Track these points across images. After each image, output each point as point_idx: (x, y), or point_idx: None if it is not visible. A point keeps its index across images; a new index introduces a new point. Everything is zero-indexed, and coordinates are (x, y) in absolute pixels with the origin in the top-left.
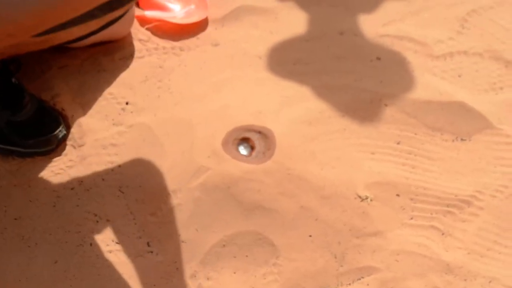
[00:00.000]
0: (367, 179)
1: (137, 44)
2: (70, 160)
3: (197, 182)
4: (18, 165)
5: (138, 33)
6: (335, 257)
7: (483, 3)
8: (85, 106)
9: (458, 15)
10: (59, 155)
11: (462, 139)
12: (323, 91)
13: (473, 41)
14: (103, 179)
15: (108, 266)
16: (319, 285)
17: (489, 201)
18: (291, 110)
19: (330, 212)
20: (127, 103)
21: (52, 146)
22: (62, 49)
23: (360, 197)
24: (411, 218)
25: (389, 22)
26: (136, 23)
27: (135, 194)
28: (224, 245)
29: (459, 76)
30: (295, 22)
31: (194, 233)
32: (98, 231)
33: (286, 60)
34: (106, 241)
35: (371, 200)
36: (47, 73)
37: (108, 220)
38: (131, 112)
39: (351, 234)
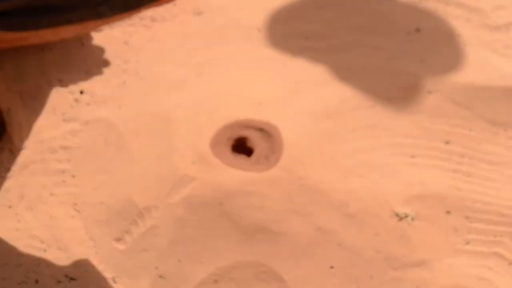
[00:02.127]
0: (407, 192)
1: None
2: (7, 169)
3: (178, 196)
4: None
5: None
6: None
7: None
8: (25, 96)
9: None
10: None
11: None
12: (345, 74)
13: None
14: (51, 194)
15: None
16: None
17: None
18: (302, 99)
19: (357, 235)
20: (81, 92)
21: None
22: None
23: (397, 215)
24: (467, 243)
25: None
26: None
27: (96, 214)
28: (216, 281)
29: None
30: None
31: (175, 265)
32: (47, 263)
33: (294, 33)
34: (58, 277)
35: (412, 219)
36: None
37: (59, 249)
38: (88, 104)
39: (386, 265)
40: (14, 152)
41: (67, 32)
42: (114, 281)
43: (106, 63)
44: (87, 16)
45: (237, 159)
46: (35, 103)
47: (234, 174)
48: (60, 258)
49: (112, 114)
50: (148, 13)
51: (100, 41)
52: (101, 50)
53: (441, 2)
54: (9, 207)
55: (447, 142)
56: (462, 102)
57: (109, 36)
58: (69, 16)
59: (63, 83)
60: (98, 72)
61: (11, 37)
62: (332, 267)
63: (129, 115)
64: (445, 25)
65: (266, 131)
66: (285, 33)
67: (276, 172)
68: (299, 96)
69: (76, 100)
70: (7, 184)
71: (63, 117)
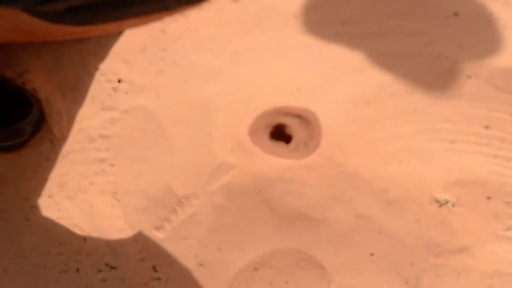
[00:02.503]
0: (447, 177)
1: None
2: (47, 159)
3: (217, 184)
4: None
5: None
6: (407, 283)
7: None
8: (64, 86)
9: None
10: (32, 151)
11: None
12: (382, 60)
13: None
14: (91, 183)
15: None
16: None
17: None
18: (340, 86)
19: (398, 222)
20: (119, 81)
21: (22, 139)
22: None
23: (438, 201)
24: (509, 229)
25: None
26: None
27: (135, 202)
28: (256, 269)
29: None
30: None
31: (215, 253)
32: (87, 252)
33: (330, 19)
34: (98, 266)
35: (453, 205)
36: (12, 44)
37: (99, 237)
38: (126, 92)
39: (427, 252)
40: (54, 142)
41: (131, 24)
42: (155, 270)
43: (144, 52)
44: (154, 9)
45: (275, 146)
46: (73, 92)
47: (273, 161)
48: (100, 246)
49: (150, 102)
50: None
51: (138, 30)
52: (139, 39)
53: None
54: (49, 196)
55: (487, 127)
56: (502, 86)
57: (146, 25)
58: (137, 10)
59: (102, 72)
60: (136, 60)
61: (75, 30)
62: (372, 254)
63: (168, 104)
64: (483, 9)
65: (304, 118)
66: (321, 19)
67: (315, 159)
68: (337, 82)
69: (115, 89)
70: (47, 173)
71: (101, 106)
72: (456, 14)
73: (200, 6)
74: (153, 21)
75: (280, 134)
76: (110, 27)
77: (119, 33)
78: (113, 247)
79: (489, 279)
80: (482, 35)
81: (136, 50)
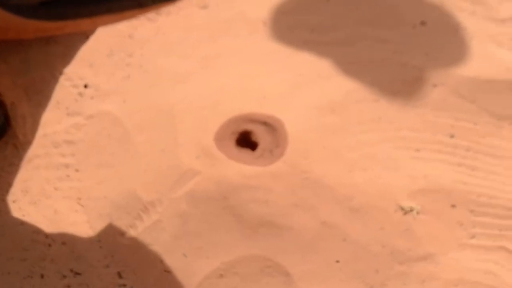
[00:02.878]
0: (411, 185)
1: None
2: (10, 164)
3: (182, 190)
4: None
5: None
6: None
7: None
8: (29, 90)
9: None
10: None
11: None
12: (350, 67)
13: None
14: (55, 188)
15: None
16: None
17: None
18: (307, 93)
19: (362, 229)
20: (85, 86)
21: None
22: None
23: (402, 209)
24: (473, 237)
25: None
26: None
27: (100, 208)
28: (221, 275)
29: None
30: None
31: (181, 259)
32: (52, 257)
33: (299, 26)
34: (63, 271)
35: (417, 213)
36: None
37: (63, 243)
38: (92, 97)
39: (392, 259)
40: (18, 147)
41: (105, 21)
42: (120, 276)
43: (110, 57)
44: (128, 6)
45: (241, 153)
46: (39, 97)
47: (238, 168)
48: (64, 252)
49: (116, 108)
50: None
51: (104, 34)
52: (105, 43)
53: None
54: (13, 201)
55: (452, 136)
56: (467, 96)
57: (113, 29)
58: (109, 6)
59: (67, 77)
60: (102, 65)
61: (49, 26)
62: (337, 262)
63: (133, 109)
64: (450, 18)
65: (271, 125)
66: (290, 25)
67: (280, 166)
68: (304, 89)
69: (80, 94)
70: (11, 178)
71: (67, 111)
72: (423, 23)
73: (174, 4)
74: (127, 18)
75: (246, 140)
76: (84, 23)
77: (85, 37)
78: (77, 253)
79: (453, 287)
80: (449, 44)
81: (102, 54)
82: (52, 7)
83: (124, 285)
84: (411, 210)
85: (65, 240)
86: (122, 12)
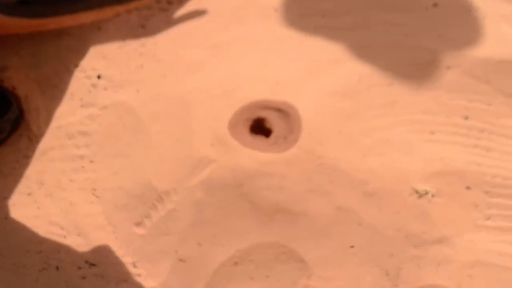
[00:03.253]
0: (426, 168)
1: None
2: (25, 156)
3: (197, 179)
4: None
5: None
6: (387, 274)
7: None
8: (42, 83)
9: None
10: (11, 148)
11: None
12: (363, 52)
13: None
14: (70, 180)
15: None
16: None
17: None
18: (320, 78)
19: (377, 214)
20: (99, 77)
21: (1, 137)
22: None
23: (417, 192)
24: (488, 218)
25: None
26: None
27: (115, 199)
28: (236, 263)
29: None
30: None
31: (196, 248)
32: (67, 249)
33: (310, 12)
34: (78, 263)
35: (432, 196)
36: None
37: (79, 235)
38: (105, 88)
39: (407, 243)
40: (32, 139)
41: (86, 17)
42: (134, 266)
43: (123, 48)
44: (106, 2)
45: (255, 140)
46: (52, 89)
47: (253, 155)
48: (80, 244)
49: (130, 98)
50: None
51: (117, 26)
52: (118, 35)
53: None
54: (29, 194)
55: (466, 118)
56: (480, 77)
57: (126, 20)
58: (88, 3)
59: (81, 69)
60: (115, 56)
61: (31, 23)
62: (352, 247)
63: (147, 99)
64: None
65: (284, 111)
66: (301, 11)
67: (295, 152)
68: (317, 75)
69: (94, 85)
70: (26, 171)
71: (81, 103)
72: (435, 5)
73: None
74: (108, 14)
75: (259, 128)
76: (65, 20)
77: (98, 29)
78: (92, 244)
79: (469, 269)
80: (461, 26)
81: (115, 46)
82: (31, 6)
83: (139, 274)
84: (426, 193)
85: (80, 232)
86: (102, 9)
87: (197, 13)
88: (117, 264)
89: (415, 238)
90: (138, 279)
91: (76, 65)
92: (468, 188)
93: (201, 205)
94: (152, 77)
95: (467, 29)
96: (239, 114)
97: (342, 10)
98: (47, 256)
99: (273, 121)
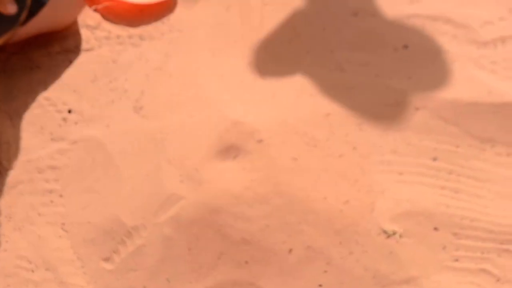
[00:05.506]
0: (394, 208)
1: (83, 32)
2: None
3: (166, 215)
4: None
5: (85, 18)
6: None
7: None
8: (13, 116)
9: None
10: None
11: None
12: (332, 90)
13: None
14: (39, 214)
15: None
16: None
17: None
18: (290, 108)
19: (345, 253)
20: (69, 111)
21: None
22: None
23: (385, 232)
24: (455, 260)
25: None
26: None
27: (83, 233)
28: None
29: None
30: None
31: (164, 284)
32: (35, 284)
33: (282, 44)
34: None
35: (400, 236)
36: None
37: (47, 269)
38: (76, 123)
39: (375, 283)
40: (1, 172)
41: None
42: None
43: (94, 82)
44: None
45: (225, 173)
46: (23, 122)
47: (223, 190)
48: (48, 278)
49: (100, 133)
50: (136, 31)
51: (88, 60)
52: (89, 69)
53: (428, 18)
54: None
55: (434, 159)
56: (449, 119)
57: (97, 55)
58: None
59: (52, 102)
60: (86, 91)
61: None
62: (320, 286)
63: (117, 134)
64: (432, 42)
65: (252, 143)
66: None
67: (265, 187)
68: (286, 106)
69: (64, 119)
70: None
71: (51, 137)
72: (405, 46)
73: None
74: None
75: (229, 159)
76: None
77: (69, 63)
78: (61, 279)
79: None
80: (431, 68)
81: (86, 80)
82: None
83: None
84: (394, 233)
85: (49, 266)
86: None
87: (168, 49)
88: None
89: (383, 278)
90: None
91: (47, 99)
92: (436, 229)
93: (170, 241)
94: (122, 113)
95: (436, 71)
96: (209, 148)
97: (309, 49)
98: None
99: (243, 153)
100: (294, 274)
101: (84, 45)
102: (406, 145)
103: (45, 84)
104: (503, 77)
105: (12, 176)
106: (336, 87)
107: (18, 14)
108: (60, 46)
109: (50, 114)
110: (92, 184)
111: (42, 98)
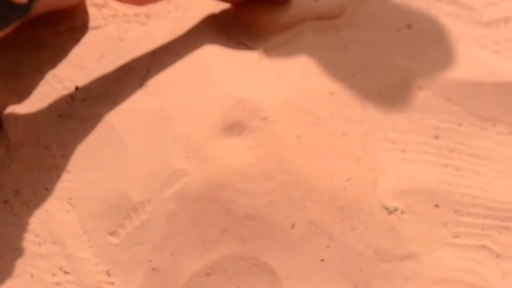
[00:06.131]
0: (397, 186)
1: (90, 11)
2: (2, 165)
3: (171, 191)
4: None
5: None
6: None
7: None
8: (21, 93)
9: None
10: None
11: None
12: (337, 69)
13: None
14: (46, 189)
15: None
16: None
17: None
18: (295, 87)
19: (347, 229)
20: (77, 88)
21: None
22: None
23: (387, 209)
24: (456, 236)
25: None
26: None
27: (90, 208)
28: (208, 274)
29: None
30: None
31: (169, 258)
32: (42, 257)
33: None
34: (52, 270)
35: (402, 213)
36: None
37: (54, 242)
38: (83, 100)
39: (376, 258)
40: (10, 148)
41: None
42: (108, 274)
43: (101, 60)
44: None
45: (230, 150)
46: (31, 99)
47: (228, 166)
48: (55, 252)
49: (107, 110)
50: (143, 10)
51: (95, 38)
52: (96, 47)
53: None
54: (5, 202)
55: (437, 137)
56: (452, 98)
57: (104, 33)
58: None
59: (59, 79)
60: (94, 68)
61: None
62: (322, 260)
63: (124, 111)
64: (436, 22)
65: (257, 121)
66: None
67: (269, 164)
68: (291, 84)
69: (72, 97)
70: (3, 179)
71: (58, 113)
72: (409, 26)
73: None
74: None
75: (235, 136)
76: None
77: (76, 41)
78: (67, 252)
79: (436, 285)
80: (435, 48)
81: (93, 58)
82: None
83: (113, 283)
84: (396, 210)
85: (55, 240)
86: None
87: (174, 28)
88: (91, 272)
89: (384, 254)
90: (112, 287)
91: (54, 76)
92: (437, 206)
93: (174, 216)
94: (128, 90)
95: (440, 51)
96: (214, 125)
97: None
98: (22, 263)
99: (248, 130)
100: (296, 249)
101: (91, 23)
102: (409, 123)
103: (52, 62)
104: (506, 57)
105: (20, 152)
106: (340, 66)
107: (29, 3)
108: (68, 24)
109: (57, 92)
110: (99, 160)
111: (50, 75)
